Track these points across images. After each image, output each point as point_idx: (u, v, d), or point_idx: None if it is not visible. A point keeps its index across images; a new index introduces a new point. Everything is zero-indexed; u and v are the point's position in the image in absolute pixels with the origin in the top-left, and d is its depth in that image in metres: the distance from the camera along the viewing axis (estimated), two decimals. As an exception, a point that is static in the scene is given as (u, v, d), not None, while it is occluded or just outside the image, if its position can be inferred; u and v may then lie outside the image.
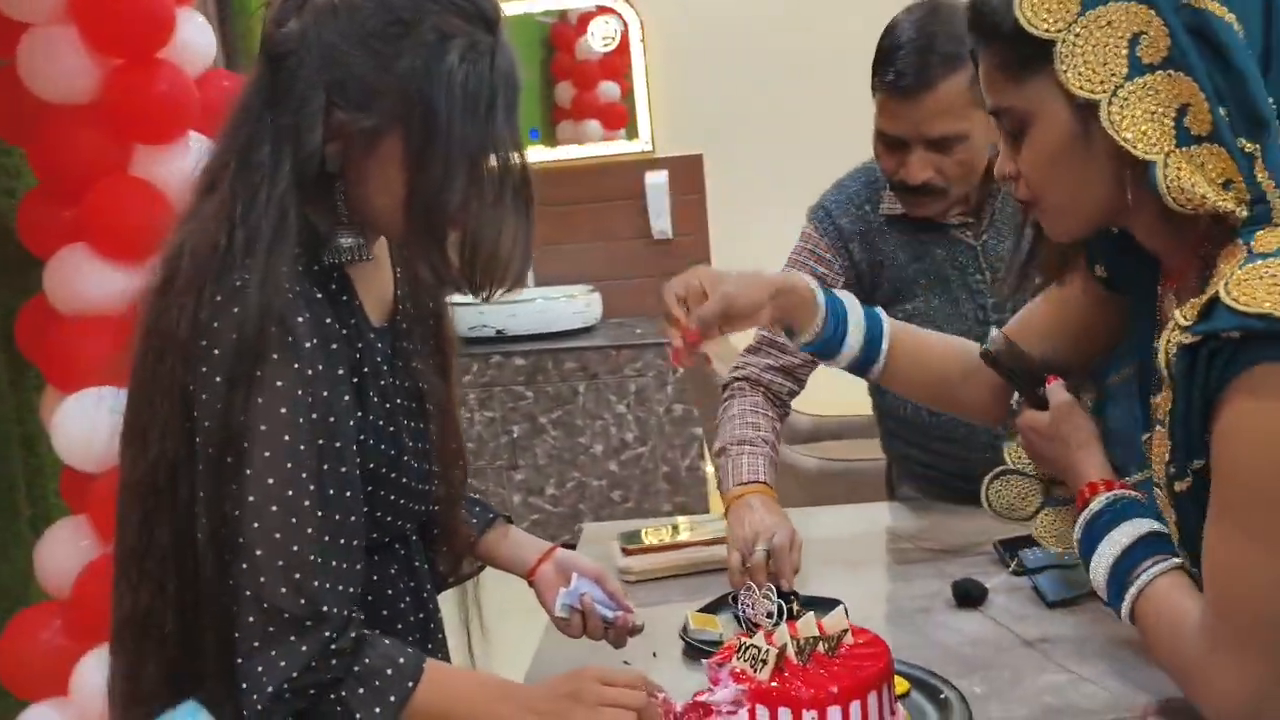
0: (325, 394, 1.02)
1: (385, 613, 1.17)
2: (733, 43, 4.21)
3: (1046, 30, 0.99)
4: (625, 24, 4.28)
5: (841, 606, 1.20)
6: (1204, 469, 0.99)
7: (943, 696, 1.19)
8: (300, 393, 1.00)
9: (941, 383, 1.41)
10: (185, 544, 1.03)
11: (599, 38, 4.31)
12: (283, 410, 0.99)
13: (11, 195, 2.30)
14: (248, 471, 0.98)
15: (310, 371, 1.00)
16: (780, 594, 1.24)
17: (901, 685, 1.20)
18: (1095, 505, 1.14)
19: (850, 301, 1.39)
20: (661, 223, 4.31)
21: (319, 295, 1.05)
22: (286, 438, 0.99)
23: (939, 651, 1.34)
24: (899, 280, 1.77)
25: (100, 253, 2.14)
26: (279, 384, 0.99)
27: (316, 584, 0.99)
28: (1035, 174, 1.08)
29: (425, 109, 1.00)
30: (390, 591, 1.18)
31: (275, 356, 0.99)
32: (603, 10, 4.30)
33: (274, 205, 1.01)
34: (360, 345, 1.10)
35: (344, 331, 1.08)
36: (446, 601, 1.30)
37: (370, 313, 1.14)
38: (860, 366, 1.39)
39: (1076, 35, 0.98)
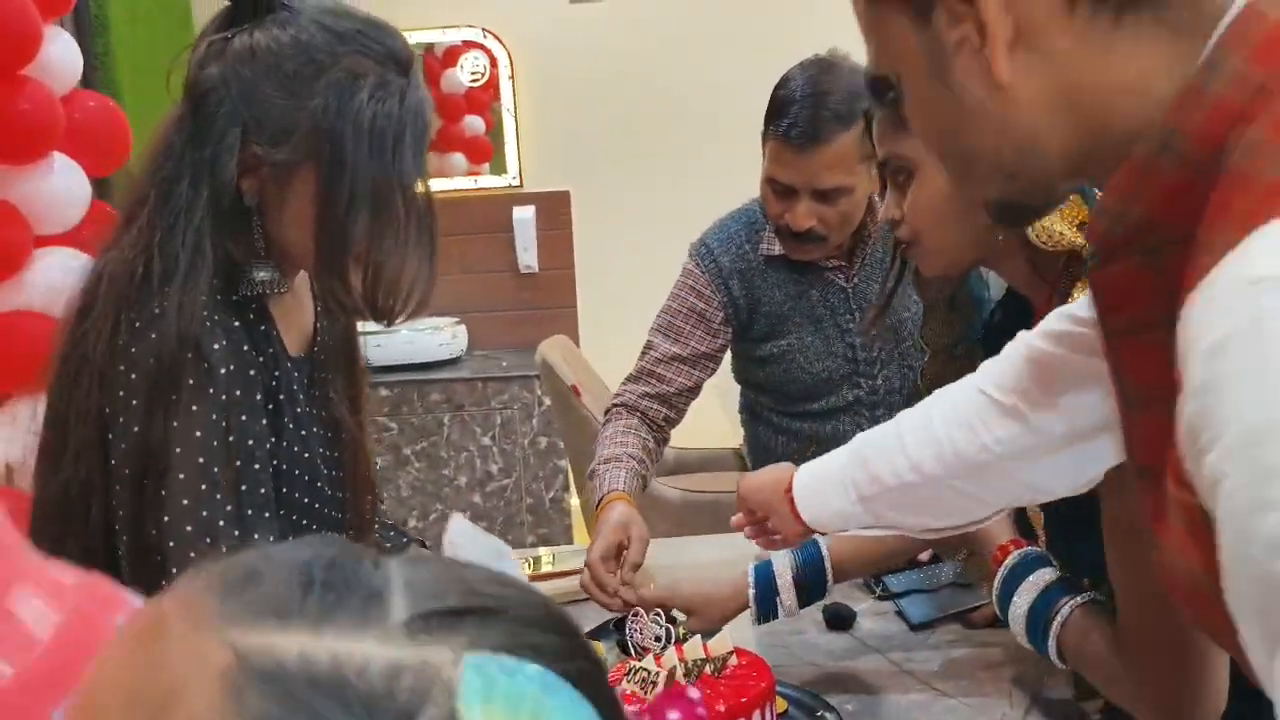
0: (242, 419, 1.03)
1: None
2: (602, 82, 4.29)
3: None
4: (494, 60, 4.31)
5: (724, 630, 1.25)
6: None
7: (819, 714, 1.25)
8: (215, 417, 1.01)
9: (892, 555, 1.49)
10: (95, 565, 1.02)
11: (468, 72, 4.33)
12: (198, 434, 1.00)
13: None
14: (163, 493, 0.99)
15: (225, 397, 1.02)
16: (666, 618, 1.28)
17: (780, 704, 1.25)
18: (1009, 561, 1.21)
19: (779, 562, 1.43)
20: (528, 257, 4.34)
21: (236, 324, 1.07)
22: (201, 460, 1.00)
23: (812, 672, 1.41)
24: (774, 317, 1.85)
25: (-48, 273, 2.05)
26: (195, 408, 1.00)
27: None
28: (917, 218, 1.18)
29: (334, 144, 1.03)
30: None
31: (191, 382, 1.00)
32: (471, 45, 4.33)
33: (191, 236, 1.04)
34: (277, 373, 1.12)
35: (260, 359, 1.09)
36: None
37: (289, 343, 1.15)
38: (817, 598, 1.43)
39: None
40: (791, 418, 1.87)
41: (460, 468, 3.96)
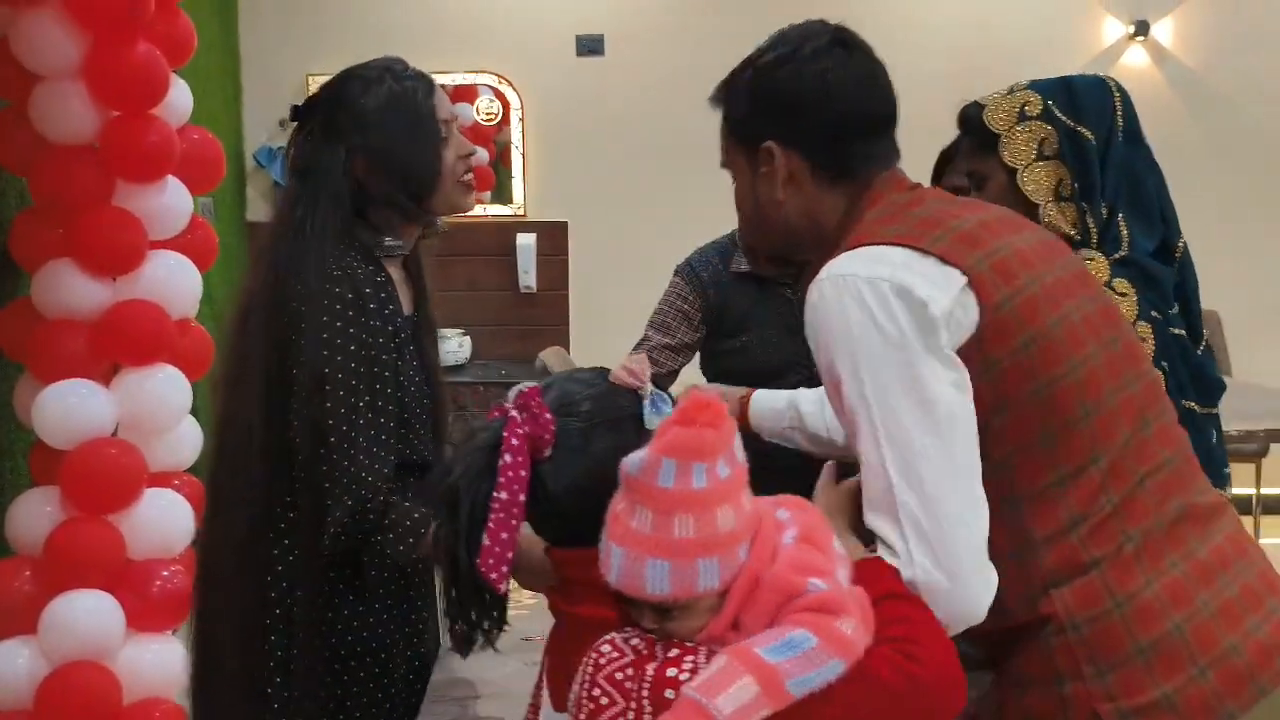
0: (380, 340, 1.57)
1: None
2: (600, 127, 4.84)
3: (996, 128, 1.73)
4: (506, 103, 4.85)
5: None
6: None
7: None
8: (353, 331, 1.54)
9: None
10: (274, 434, 1.58)
11: (482, 112, 4.87)
12: (339, 342, 1.54)
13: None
14: (329, 388, 1.52)
15: (364, 319, 1.55)
16: None
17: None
18: None
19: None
20: (528, 279, 4.86)
21: (372, 268, 1.61)
22: (353, 364, 1.54)
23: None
24: (738, 318, 2.40)
25: (83, 268, 2.55)
26: (338, 323, 1.54)
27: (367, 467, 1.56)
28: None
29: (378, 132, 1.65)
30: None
31: (338, 307, 1.54)
32: (486, 89, 4.87)
33: (330, 226, 1.61)
34: (399, 320, 1.64)
35: (389, 303, 1.63)
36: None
37: (403, 303, 1.68)
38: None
39: (1011, 134, 1.72)
40: (749, 402, 2.41)
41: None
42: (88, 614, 2.41)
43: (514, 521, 1.05)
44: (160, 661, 2.47)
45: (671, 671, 0.99)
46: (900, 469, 1.16)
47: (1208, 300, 1.90)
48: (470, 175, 1.72)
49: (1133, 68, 4.85)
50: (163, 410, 2.61)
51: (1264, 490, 4.44)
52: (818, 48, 1.37)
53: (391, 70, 1.66)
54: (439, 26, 4.77)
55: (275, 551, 1.60)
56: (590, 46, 4.86)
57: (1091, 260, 1.67)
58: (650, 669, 1.00)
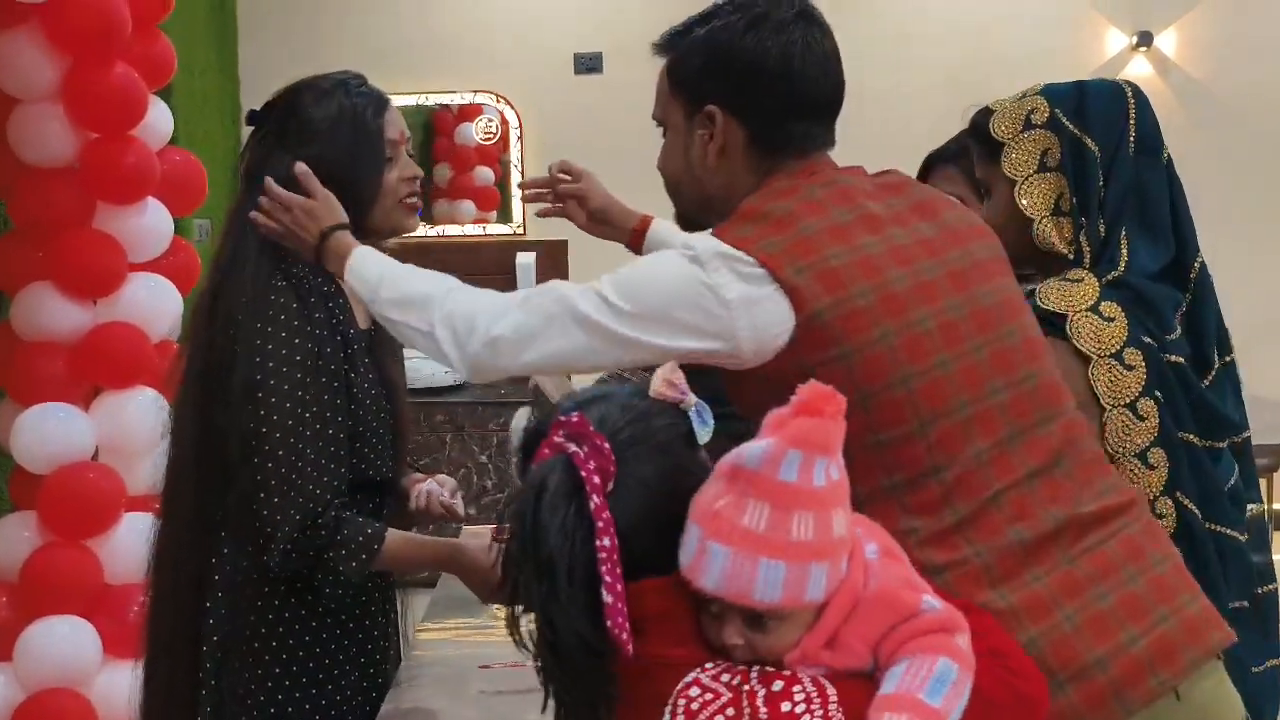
0: (329, 350, 1.54)
1: None
2: (599, 143, 4.81)
3: (1001, 137, 1.66)
4: (505, 121, 4.85)
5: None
6: None
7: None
8: (298, 341, 1.51)
9: None
10: (212, 445, 1.56)
11: (480, 130, 4.87)
12: (283, 352, 1.51)
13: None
14: (273, 400, 1.49)
15: (309, 328, 1.53)
16: None
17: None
18: None
19: None
20: (527, 297, 4.84)
21: (319, 279, 1.58)
22: (299, 375, 1.50)
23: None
24: None
25: (62, 290, 2.54)
26: (283, 334, 1.51)
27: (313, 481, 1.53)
28: (990, 216, 1.64)
29: (336, 144, 1.62)
30: None
31: (283, 317, 1.52)
32: (485, 108, 4.87)
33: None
34: (351, 331, 1.60)
35: (337, 314, 1.59)
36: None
37: (358, 317, 1.64)
38: None
39: (1015, 143, 1.65)
40: (719, 419, 2.37)
41: (459, 482, 4.41)
42: (64, 640, 2.40)
43: (619, 569, 0.94)
44: (136, 688, 2.45)
45: (785, 705, 0.92)
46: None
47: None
48: (415, 198, 1.69)
49: (1136, 79, 4.78)
50: (142, 433, 2.59)
51: (1276, 506, 4.36)
52: (784, 19, 1.30)
53: (346, 85, 1.64)
54: (438, 46, 4.78)
55: (216, 576, 1.57)
56: (589, 64, 4.85)
57: (1080, 281, 1.58)
58: (760, 705, 0.92)
